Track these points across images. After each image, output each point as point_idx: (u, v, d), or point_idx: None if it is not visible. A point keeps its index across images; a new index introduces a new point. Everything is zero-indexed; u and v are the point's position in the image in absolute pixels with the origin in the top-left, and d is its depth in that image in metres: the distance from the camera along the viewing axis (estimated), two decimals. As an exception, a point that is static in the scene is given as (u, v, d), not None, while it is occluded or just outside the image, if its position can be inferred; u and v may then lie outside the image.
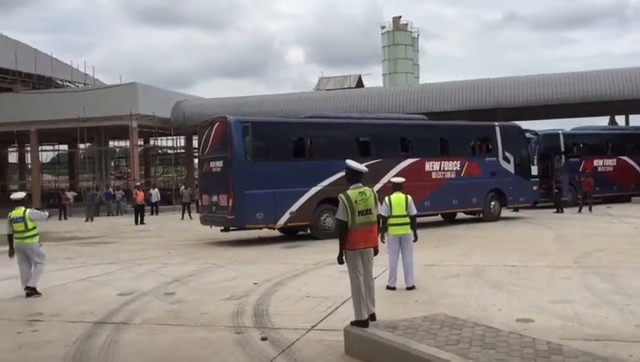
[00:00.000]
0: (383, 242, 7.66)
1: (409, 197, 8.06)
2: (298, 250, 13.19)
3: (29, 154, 38.21)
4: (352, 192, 5.62)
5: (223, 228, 14.95)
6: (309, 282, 8.93)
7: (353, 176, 5.81)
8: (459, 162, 17.64)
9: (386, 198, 8.04)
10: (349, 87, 44.19)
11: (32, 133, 34.33)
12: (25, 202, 9.16)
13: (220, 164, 14.60)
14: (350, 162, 5.92)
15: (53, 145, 45.29)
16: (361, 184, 5.75)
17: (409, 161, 16.53)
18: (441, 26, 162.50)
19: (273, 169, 14.32)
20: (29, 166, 39.81)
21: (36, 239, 8.89)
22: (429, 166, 17.05)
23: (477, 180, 17.84)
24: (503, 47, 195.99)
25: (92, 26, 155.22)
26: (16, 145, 39.91)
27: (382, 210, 7.52)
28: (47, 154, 47.89)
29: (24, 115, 32.42)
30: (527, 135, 21.38)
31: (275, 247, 13.83)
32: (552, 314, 6.37)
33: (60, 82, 42.10)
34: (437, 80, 66.25)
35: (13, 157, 44.60)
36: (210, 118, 15.97)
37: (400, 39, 61.47)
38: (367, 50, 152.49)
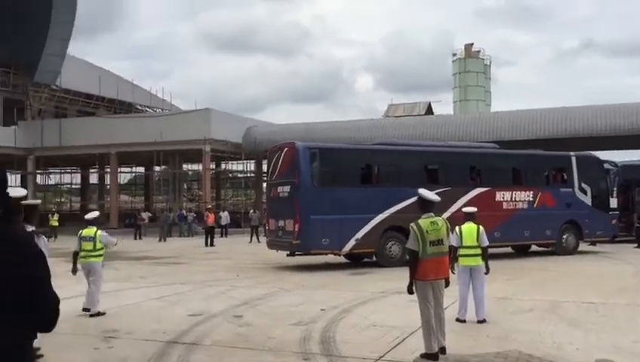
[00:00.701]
0: (454, 273, 7.50)
1: (481, 227, 7.88)
2: (365, 277, 13.10)
3: (108, 176, 39.97)
4: (424, 222, 5.56)
5: (288, 252, 15.05)
6: (376, 310, 8.84)
7: (425, 206, 5.76)
8: (531, 192, 17.10)
9: (457, 228, 7.89)
10: (419, 114, 43.95)
11: (112, 155, 35.95)
12: (97, 222, 9.55)
13: (287, 189, 14.77)
14: (422, 191, 5.87)
15: (131, 167, 47.23)
16: (432, 213, 5.69)
17: (479, 190, 16.17)
18: (513, 52, 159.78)
19: (340, 195, 14.37)
20: (108, 187, 41.60)
21: (100, 259, 9.20)
22: (499, 196, 16.60)
23: (551, 211, 17.19)
24: (580, 75, 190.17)
25: (170, 53, 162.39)
26: (97, 166, 41.87)
27: (452, 240, 7.39)
28: (124, 175, 50.03)
29: (105, 138, 34.04)
30: (606, 166, 20.49)
31: (342, 273, 13.79)
32: (634, 354, 6.02)
33: (139, 107, 44.10)
34: (510, 108, 64.89)
35: (93, 178, 46.81)
36: (279, 143, 16.26)
37: (471, 66, 60.79)
38: (437, 77, 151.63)
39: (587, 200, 18.03)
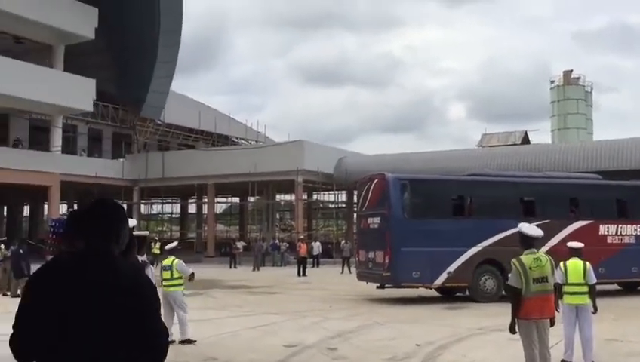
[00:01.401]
0: (558, 311, 7.14)
1: (588, 263, 7.46)
2: (460, 312, 12.73)
3: (205, 206, 41.53)
4: (526, 258, 5.37)
5: (378, 284, 14.88)
6: (475, 348, 8.55)
7: (527, 241, 5.56)
8: (638, 226, 16.04)
9: (561, 264, 7.52)
10: (514, 144, 42.65)
11: (209, 186, 37.40)
12: (175, 252, 9.94)
13: (377, 220, 14.71)
14: (523, 226, 5.68)
15: (227, 197, 48.84)
16: (535, 249, 5.48)
17: (580, 223, 15.25)
18: (617, 78, 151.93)
19: (431, 227, 14.13)
20: (205, 216, 43.18)
21: (180, 288, 9.44)
22: (603, 229, 15.60)
23: None
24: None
25: (264, 87, 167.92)
26: (195, 197, 43.65)
27: (557, 276, 7.05)
28: (220, 205, 51.78)
29: (204, 169, 35.50)
30: None
31: (436, 307, 13.47)
32: None
33: (235, 140, 45.75)
34: (614, 136, 61.60)
35: (192, 208, 48.81)
36: (369, 174, 16.29)
37: (571, 93, 58.43)
38: (533, 105, 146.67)
39: None
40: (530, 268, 5.29)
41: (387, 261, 13.85)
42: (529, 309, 5.24)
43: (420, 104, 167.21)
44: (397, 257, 13.75)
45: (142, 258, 5.60)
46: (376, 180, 15.07)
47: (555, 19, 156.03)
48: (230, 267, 29.33)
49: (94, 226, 2.20)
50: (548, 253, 13.25)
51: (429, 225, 14.15)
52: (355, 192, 29.37)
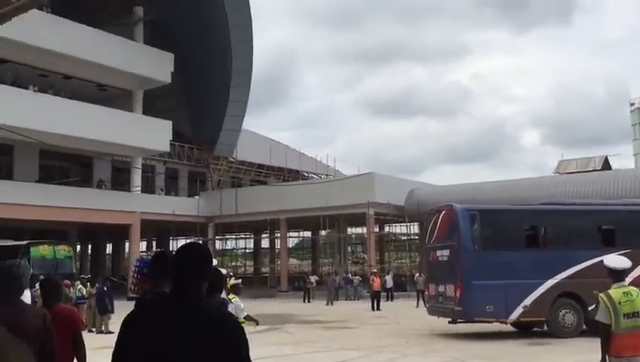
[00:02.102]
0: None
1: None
2: (543, 349, 12.19)
3: (278, 240, 42.01)
4: (615, 292, 5.11)
5: (450, 319, 14.46)
6: (561, 387, 8.15)
7: (614, 274, 5.30)
8: None
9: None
10: (594, 170, 40.92)
11: (281, 220, 37.86)
12: (237, 289, 9.97)
13: (446, 252, 14.39)
14: (609, 259, 5.42)
15: (299, 231, 49.24)
16: (625, 283, 5.21)
17: None
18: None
19: (503, 259, 13.65)
20: (278, 250, 43.65)
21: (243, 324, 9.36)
22: None
23: None
24: None
25: (333, 121, 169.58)
26: (267, 231, 44.27)
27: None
28: (292, 240, 52.20)
29: (276, 204, 36.03)
30: None
31: (516, 343, 12.94)
32: None
33: (305, 174, 46.29)
34: (702, 157, 57.92)
35: (265, 243, 49.46)
36: (436, 206, 16.03)
37: (653, 115, 55.76)
38: (613, 129, 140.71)
39: None
40: (619, 303, 5.02)
41: (458, 295, 13.48)
42: (620, 346, 4.96)
43: (492, 132, 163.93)
44: (468, 291, 13.34)
45: (223, 296, 5.69)
46: (443, 212, 14.83)
47: (631, 40, 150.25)
48: (304, 301, 29.38)
49: (183, 269, 2.30)
50: (632, 283, 12.54)
51: (500, 257, 13.69)
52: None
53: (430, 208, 16.44)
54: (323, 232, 43.11)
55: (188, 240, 44.91)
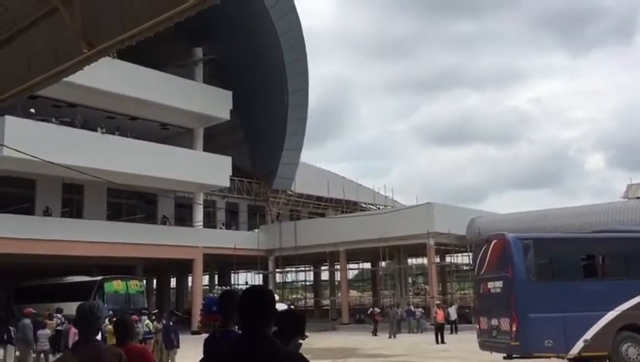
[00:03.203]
0: None
1: None
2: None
3: (338, 272, 41.90)
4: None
5: (505, 355, 13.67)
6: None
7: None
8: None
9: None
10: (666, 193, 39.10)
11: (340, 252, 37.83)
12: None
13: (499, 284, 13.79)
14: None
15: (358, 263, 49.00)
16: None
17: None
18: None
19: (560, 290, 13.03)
20: (338, 282, 43.51)
21: None
22: None
23: None
24: None
25: (389, 151, 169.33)
26: (327, 263, 44.27)
27: None
28: (352, 271, 51.97)
29: (334, 236, 36.08)
30: None
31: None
32: None
33: (363, 205, 46.24)
34: None
35: (324, 275, 49.41)
36: (486, 235, 15.57)
37: None
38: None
39: None
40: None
41: (514, 328, 12.85)
42: None
43: (554, 157, 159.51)
44: (525, 324, 12.73)
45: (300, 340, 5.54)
46: (494, 241, 14.33)
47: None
48: (373, 334, 28.74)
49: (249, 311, 2.44)
50: None
51: (558, 288, 13.09)
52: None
53: (480, 238, 15.97)
54: (383, 263, 42.75)
55: (249, 273, 45.48)
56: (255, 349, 2.33)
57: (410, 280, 48.59)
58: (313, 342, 23.43)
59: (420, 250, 38.30)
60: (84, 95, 28.50)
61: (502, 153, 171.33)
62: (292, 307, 32.27)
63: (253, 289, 2.60)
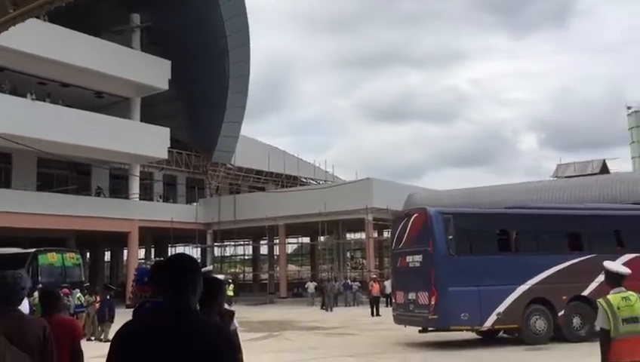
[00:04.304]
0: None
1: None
2: (545, 354, 12.20)
3: (277, 247, 41.98)
4: (614, 297, 5.12)
5: (421, 328, 13.98)
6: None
7: (614, 280, 5.31)
8: None
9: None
10: (592, 173, 41.00)
11: (280, 226, 37.87)
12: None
13: (418, 258, 13.79)
14: (609, 264, 5.44)
15: (297, 237, 49.23)
16: (624, 288, 5.22)
17: (628, 256, 13.67)
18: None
19: (478, 264, 13.25)
20: (276, 257, 43.61)
21: None
22: None
23: None
24: None
25: (330, 126, 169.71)
26: (266, 238, 44.25)
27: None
28: (291, 246, 52.16)
29: (274, 211, 36.05)
30: None
31: (516, 350, 12.87)
32: None
33: (304, 180, 46.30)
34: (699, 160, 58.03)
35: (263, 249, 49.40)
36: (406, 209, 15.66)
37: (650, 118, 55.90)
38: (611, 133, 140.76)
39: None
40: (618, 308, 5.03)
41: (433, 302, 12.92)
42: (619, 351, 4.97)
43: (490, 136, 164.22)
44: (444, 298, 12.85)
45: (227, 307, 5.47)
46: (415, 215, 14.31)
47: (628, 43, 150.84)
48: (325, 309, 28.40)
49: (171, 281, 2.33)
50: (597, 289, 12.60)
51: (475, 262, 13.29)
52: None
53: (400, 212, 16.02)
54: (322, 238, 43.12)
55: (187, 247, 44.94)
56: (172, 321, 2.19)
57: (348, 254, 49.22)
58: (251, 315, 23.49)
59: (358, 225, 38.80)
60: (12, 58, 27.07)
61: (441, 131, 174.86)
62: (230, 280, 32.18)
63: (175, 256, 2.49)
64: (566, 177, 39.61)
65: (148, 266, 27.36)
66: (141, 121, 34.51)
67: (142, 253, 42.55)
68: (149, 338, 2.17)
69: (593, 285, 13.21)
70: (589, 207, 17.26)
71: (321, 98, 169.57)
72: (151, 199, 38.75)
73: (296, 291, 37.18)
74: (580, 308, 13.52)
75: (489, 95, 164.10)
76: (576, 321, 13.56)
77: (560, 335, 13.37)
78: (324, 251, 43.45)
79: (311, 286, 32.65)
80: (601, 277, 12.79)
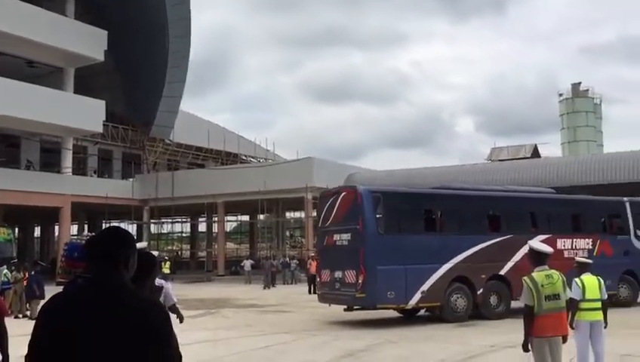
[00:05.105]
0: (573, 328, 7.05)
1: (601, 279, 7.38)
2: (470, 330, 12.61)
3: (215, 224, 41.58)
4: (538, 275, 5.34)
5: (346, 307, 13.93)
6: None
7: (537, 258, 5.53)
8: (591, 240, 15.64)
9: (578, 280, 7.40)
10: (524, 157, 42.52)
11: (219, 204, 37.49)
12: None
13: (346, 236, 13.62)
14: (533, 243, 5.68)
15: (236, 215, 48.92)
16: (547, 266, 5.44)
17: (540, 237, 13.86)
18: (625, 89, 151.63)
19: (405, 243, 13.32)
20: (215, 234, 43.24)
21: None
22: (560, 243, 14.87)
23: (609, 261, 15.15)
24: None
25: (273, 105, 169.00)
26: (205, 215, 43.76)
27: (574, 292, 6.94)
28: (230, 224, 51.80)
29: (213, 188, 35.61)
30: None
31: (446, 326, 13.24)
32: None
33: (244, 158, 45.88)
34: (624, 148, 61.22)
35: (202, 227, 48.88)
36: (335, 187, 15.71)
37: (580, 106, 58.40)
38: (542, 119, 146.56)
39: None
40: (542, 286, 5.25)
41: (361, 281, 12.82)
42: (542, 327, 5.20)
43: (429, 119, 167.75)
44: (373, 276, 12.76)
45: (159, 281, 5.42)
46: (344, 192, 14.10)
47: (562, 32, 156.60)
48: (265, 287, 28.21)
49: (103, 254, 2.23)
50: (514, 268, 13.13)
51: (402, 241, 13.33)
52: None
53: (327, 189, 16.07)
54: (261, 216, 42.99)
55: (122, 223, 43.87)
56: (104, 295, 2.09)
57: (287, 233, 49.35)
58: (187, 292, 23.24)
59: (298, 204, 38.92)
60: None
61: (382, 113, 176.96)
62: (166, 258, 31.69)
63: (109, 229, 2.39)
64: (500, 160, 40.90)
65: (79, 242, 26.45)
66: (75, 92, 33.19)
67: (75, 229, 41.30)
68: (80, 313, 2.06)
69: (509, 264, 13.73)
70: (508, 189, 17.80)
71: (263, 76, 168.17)
72: (84, 174, 37.53)
73: (233, 269, 36.99)
74: (497, 286, 14.05)
75: (429, 78, 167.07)
76: (493, 299, 14.03)
77: (478, 312, 13.81)
78: (264, 229, 43.40)
79: (247, 264, 32.55)
80: (516, 257, 13.53)
